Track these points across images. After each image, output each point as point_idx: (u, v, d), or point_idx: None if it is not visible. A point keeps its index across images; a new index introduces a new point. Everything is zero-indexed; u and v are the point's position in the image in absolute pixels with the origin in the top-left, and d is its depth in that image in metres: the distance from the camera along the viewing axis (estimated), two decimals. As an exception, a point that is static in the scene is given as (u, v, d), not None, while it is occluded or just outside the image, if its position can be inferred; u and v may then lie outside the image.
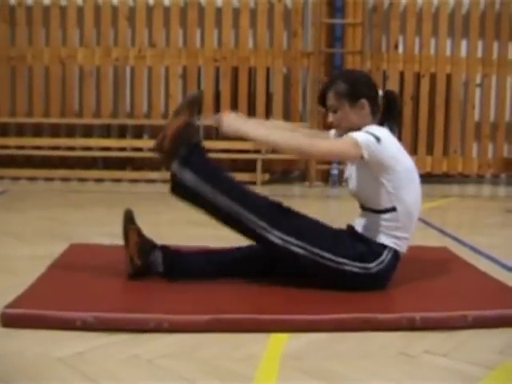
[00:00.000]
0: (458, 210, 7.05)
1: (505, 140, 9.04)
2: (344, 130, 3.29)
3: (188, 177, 3.16)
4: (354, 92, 3.26)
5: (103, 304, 2.94)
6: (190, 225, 5.11)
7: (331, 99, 3.31)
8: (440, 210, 6.78)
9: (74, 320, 2.73)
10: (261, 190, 7.88)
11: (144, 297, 3.06)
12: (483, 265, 3.97)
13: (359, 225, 3.30)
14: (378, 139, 3.09)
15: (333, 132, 3.48)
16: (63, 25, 8.68)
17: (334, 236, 3.23)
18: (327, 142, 3.28)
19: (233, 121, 3.19)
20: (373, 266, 3.16)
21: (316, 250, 3.13)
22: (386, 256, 3.18)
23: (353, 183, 3.32)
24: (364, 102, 3.26)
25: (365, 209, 3.31)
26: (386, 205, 3.19)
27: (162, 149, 3.23)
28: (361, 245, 3.19)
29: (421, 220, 5.71)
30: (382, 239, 3.20)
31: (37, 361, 2.39)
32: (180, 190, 3.22)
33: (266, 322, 2.78)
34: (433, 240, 4.90)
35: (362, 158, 3.09)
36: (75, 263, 3.60)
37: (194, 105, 3.30)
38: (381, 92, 3.37)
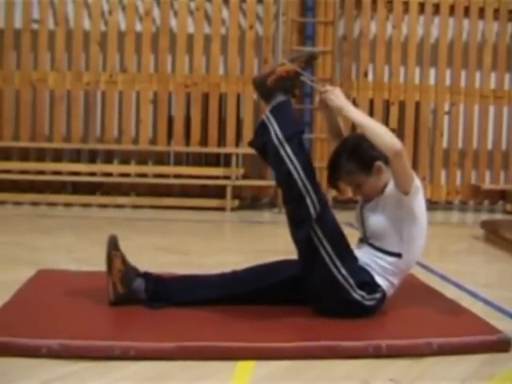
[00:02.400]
0: (427, 236, 7.08)
1: (472, 167, 9.15)
2: (372, 195, 3.28)
3: (275, 127, 3.16)
4: (364, 162, 3.23)
5: (69, 331, 2.91)
6: (158, 251, 5.09)
7: (347, 181, 3.30)
8: (408, 237, 6.82)
9: (39, 347, 2.70)
10: (230, 216, 7.89)
11: (111, 324, 3.05)
12: (450, 292, 4.00)
13: (361, 254, 3.28)
14: (418, 188, 3.15)
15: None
16: (34, 48, 8.66)
17: (353, 256, 3.22)
18: (404, 159, 3.10)
19: (341, 95, 3.19)
20: (369, 297, 3.19)
21: (338, 263, 3.14)
22: (378, 295, 3.22)
23: (372, 218, 3.25)
24: (378, 164, 3.22)
25: (369, 244, 3.29)
26: (395, 249, 3.21)
27: (265, 83, 3.23)
28: (366, 274, 3.20)
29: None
30: (379, 279, 3.22)
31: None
32: (263, 136, 3.20)
33: (231, 349, 2.78)
34: (400, 267, 4.92)
35: (407, 194, 3.10)
36: (42, 289, 3.57)
37: (309, 61, 3.31)
38: None
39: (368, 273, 3.21)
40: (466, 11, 8.98)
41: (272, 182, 8.51)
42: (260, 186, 8.70)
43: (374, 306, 3.22)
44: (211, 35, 8.73)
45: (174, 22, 8.76)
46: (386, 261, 3.21)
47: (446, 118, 9.12)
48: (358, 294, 3.17)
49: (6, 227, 6.58)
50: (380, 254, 3.23)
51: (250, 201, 8.86)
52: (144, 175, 8.60)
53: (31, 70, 8.64)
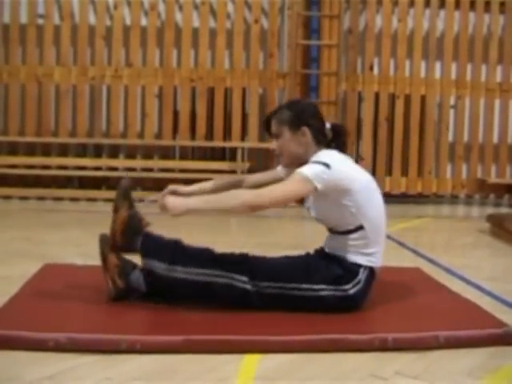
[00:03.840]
0: (432, 230, 7.10)
1: (478, 161, 9.14)
2: (287, 159, 3.33)
3: (156, 264, 3.16)
4: (295, 119, 3.29)
5: (76, 324, 2.93)
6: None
7: (274, 126, 3.34)
8: (414, 231, 6.83)
9: (46, 340, 2.71)
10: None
11: (117, 317, 3.06)
12: (456, 285, 4.00)
13: (330, 247, 3.32)
14: (327, 166, 3.09)
15: (279, 168, 3.52)
16: (40, 43, 8.67)
17: (307, 265, 3.22)
18: (277, 188, 3.15)
19: (177, 202, 3.16)
20: (350, 287, 3.18)
21: (293, 285, 3.15)
22: (362, 275, 3.20)
23: (316, 212, 3.32)
24: (305, 129, 3.28)
25: (333, 232, 3.33)
26: (353, 225, 3.21)
27: (118, 245, 3.23)
28: (335, 267, 3.20)
29: (395, 240, 5.76)
30: (356, 259, 3.21)
31: (8, 384, 2.38)
32: (155, 279, 3.20)
33: (238, 342, 2.79)
34: (406, 260, 4.93)
35: (316, 190, 3.08)
36: (49, 283, 3.58)
37: (128, 195, 3.30)
38: (328, 124, 3.39)
39: (337, 263, 3.21)
40: (472, 4, 8.98)
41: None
42: (266, 180, 8.69)
43: (362, 289, 3.20)
44: (216, 29, 8.73)
45: (179, 17, 8.76)
46: (353, 239, 3.21)
47: (451, 112, 9.12)
48: (339, 291, 3.17)
49: (12, 222, 6.60)
50: (345, 237, 3.23)
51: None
52: (150, 169, 8.61)
53: (37, 65, 8.66)
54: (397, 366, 2.66)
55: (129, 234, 3.19)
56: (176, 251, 3.19)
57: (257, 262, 3.20)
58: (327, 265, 3.22)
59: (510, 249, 5.68)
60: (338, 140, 3.38)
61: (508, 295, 3.84)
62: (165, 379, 2.48)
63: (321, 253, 3.37)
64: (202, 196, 3.30)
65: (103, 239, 3.28)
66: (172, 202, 3.16)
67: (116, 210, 3.25)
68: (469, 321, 3.17)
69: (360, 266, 3.21)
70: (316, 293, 3.16)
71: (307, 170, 3.10)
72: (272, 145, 3.41)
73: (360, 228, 3.20)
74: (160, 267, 3.15)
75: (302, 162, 3.22)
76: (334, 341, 2.83)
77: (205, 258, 3.18)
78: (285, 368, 2.62)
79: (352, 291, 3.18)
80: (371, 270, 3.24)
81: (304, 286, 3.15)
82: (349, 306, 3.20)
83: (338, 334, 2.88)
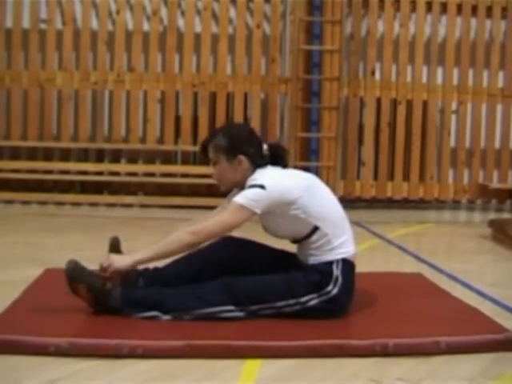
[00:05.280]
0: (434, 235, 7.10)
1: (480, 166, 9.13)
2: (225, 186, 3.38)
3: (144, 315, 3.12)
4: (231, 147, 3.29)
5: (77, 329, 2.93)
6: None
7: (211, 152, 3.35)
8: (416, 236, 6.83)
9: (47, 345, 2.72)
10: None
11: (119, 322, 3.06)
12: (458, 291, 4.00)
13: (301, 256, 3.34)
14: (262, 187, 3.13)
15: (229, 196, 3.51)
16: (42, 48, 8.68)
17: (287, 281, 3.21)
18: (214, 222, 3.21)
19: (122, 257, 3.22)
20: (331, 287, 3.18)
21: (281, 303, 3.16)
22: (336, 270, 3.20)
23: (270, 230, 3.34)
24: (241, 158, 3.28)
25: (295, 242, 3.35)
26: (306, 230, 3.22)
27: (101, 311, 3.15)
28: (312, 274, 3.20)
29: (396, 246, 5.76)
30: (325, 258, 3.22)
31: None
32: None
33: (239, 348, 2.79)
34: (408, 266, 4.93)
35: (256, 214, 3.13)
36: (50, 288, 3.58)
37: (79, 276, 3.13)
38: (265, 146, 3.38)
39: (312, 269, 3.21)
40: (474, 10, 8.97)
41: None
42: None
43: (343, 285, 3.19)
44: (218, 35, 8.73)
45: (181, 22, 8.77)
46: (313, 241, 3.23)
47: (453, 117, 9.12)
48: (324, 296, 3.17)
49: (14, 226, 6.60)
50: (307, 242, 3.25)
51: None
52: (151, 174, 8.61)
53: (39, 70, 8.66)
54: (398, 371, 2.66)
55: (102, 303, 3.13)
56: (158, 301, 3.15)
57: (237, 287, 3.18)
58: (304, 275, 3.22)
59: (511, 254, 5.67)
60: (277, 159, 3.38)
61: (510, 301, 3.84)
62: (166, 384, 2.48)
63: (297, 259, 3.39)
64: (147, 248, 3.25)
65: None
66: (117, 258, 3.20)
67: (76, 293, 3.14)
68: (470, 326, 3.17)
69: (331, 262, 3.22)
70: (304, 305, 3.17)
71: (242, 198, 3.15)
72: (210, 171, 3.41)
73: (316, 229, 3.21)
74: (147, 316, 3.13)
75: (242, 186, 3.27)
76: (335, 346, 2.83)
77: (188, 298, 3.15)
78: (286, 373, 2.62)
79: (335, 291, 3.18)
80: (344, 261, 3.24)
81: (291, 301, 3.17)
82: (339, 306, 3.21)
83: (339, 339, 2.88)
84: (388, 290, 3.71)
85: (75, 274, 3.12)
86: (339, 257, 3.22)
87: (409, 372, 2.66)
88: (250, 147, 3.31)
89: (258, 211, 3.13)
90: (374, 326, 3.15)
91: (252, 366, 2.68)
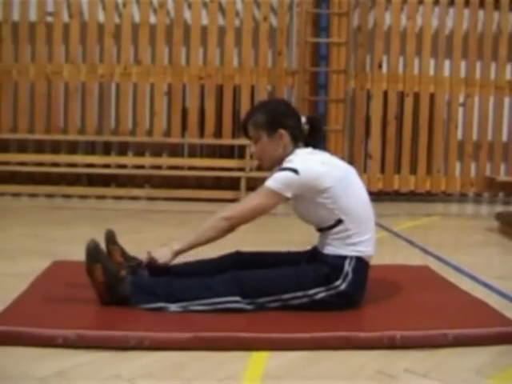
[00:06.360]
0: (441, 228, 7.09)
1: (487, 159, 9.12)
2: (267, 162, 3.36)
3: (151, 306, 3.13)
4: (271, 123, 3.29)
5: (85, 321, 2.94)
6: (173, 242, 5.10)
7: (251, 130, 3.35)
8: (423, 229, 6.82)
9: (55, 337, 2.72)
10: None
11: (126, 314, 3.06)
12: (465, 283, 3.99)
13: (320, 244, 3.35)
14: (295, 171, 3.13)
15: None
16: (49, 41, 8.69)
17: (296, 273, 3.22)
18: (244, 206, 3.24)
19: (163, 252, 3.25)
20: (340, 282, 3.18)
21: (288, 295, 3.17)
22: (348, 266, 3.20)
23: (298, 213, 3.36)
24: (282, 132, 3.29)
25: (318, 229, 3.36)
26: (331, 220, 3.22)
27: (107, 301, 3.16)
28: (322, 266, 3.21)
29: (403, 238, 5.76)
30: (339, 251, 3.22)
31: (17, 381, 2.38)
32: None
33: (247, 340, 2.79)
34: (415, 258, 4.93)
35: (287, 199, 3.16)
36: (58, 280, 3.59)
37: (98, 255, 3.17)
38: (303, 118, 3.39)
39: (323, 262, 3.22)
40: (482, 2, 8.95)
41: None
42: (274, 178, 8.69)
43: (353, 281, 3.19)
44: (225, 27, 8.73)
45: (188, 14, 8.76)
46: (334, 233, 3.23)
47: (460, 110, 9.10)
48: (332, 290, 3.17)
49: (21, 219, 6.62)
50: (328, 232, 3.25)
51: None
52: (158, 167, 8.62)
53: (46, 63, 8.68)
54: (405, 363, 2.66)
55: (113, 289, 3.15)
56: (167, 290, 3.16)
57: (246, 279, 3.19)
58: (314, 267, 3.23)
59: (519, 247, 5.67)
60: (315, 133, 3.39)
61: (517, 293, 3.83)
62: (173, 376, 2.48)
63: (313, 251, 3.40)
64: (184, 238, 3.30)
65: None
66: (159, 252, 3.25)
67: (91, 274, 3.15)
68: (477, 319, 3.17)
69: (345, 257, 3.21)
70: (312, 298, 3.17)
71: (273, 182, 3.17)
72: (251, 149, 3.41)
73: (340, 222, 3.21)
74: (155, 307, 3.13)
75: (282, 162, 3.28)
76: (342, 338, 2.83)
77: (196, 288, 3.17)
78: (293, 365, 2.63)
79: (343, 286, 3.18)
80: (359, 260, 3.23)
81: (299, 293, 3.17)
82: (346, 302, 3.20)
83: (346, 331, 2.88)
84: (395, 283, 3.70)
85: (95, 253, 3.13)
86: (354, 254, 3.22)
87: (416, 364, 2.66)
88: (289, 120, 3.31)
89: (289, 196, 3.15)
90: (382, 318, 3.15)
91: (259, 358, 2.69)
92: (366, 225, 3.27)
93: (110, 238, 3.38)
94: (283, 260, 3.43)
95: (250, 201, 3.24)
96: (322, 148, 3.40)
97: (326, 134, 8.41)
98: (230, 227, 3.22)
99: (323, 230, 3.29)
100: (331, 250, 3.24)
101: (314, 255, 3.36)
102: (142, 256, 3.32)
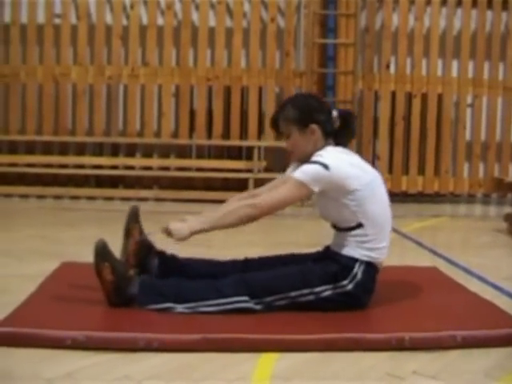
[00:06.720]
0: (449, 229, 7.07)
1: (496, 160, 9.09)
2: (298, 156, 3.33)
3: (158, 306, 3.13)
4: (302, 118, 3.27)
5: (94, 323, 2.95)
6: (181, 244, 5.09)
7: (282, 125, 3.33)
8: (431, 230, 6.81)
9: (64, 339, 2.73)
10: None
11: (134, 316, 3.07)
12: (473, 285, 3.98)
13: (333, 244, 3.35)
14: (326, 167, 3.10)
15: (290, 169, 3.49)
16: (57, 43, 8.70)
17: (302, 271, 3.22)
18: (271, 196, 3.20)
19: (181, 227, 3.19)
20: (347, 282, 3.18)
21: (295, 293, 3.16)
22: (357, 269, 3.19)
23: (319, 208, 3.35)
24: (314, 127, 3.27)
25: (335, 228, 3.35)
26: (352, 222, 3.21)
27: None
28: (332, 265, 3.21)
29: (411, 240, 5.75)
30: (352, 253, 3.22)
31: (25, 382, 2.39)
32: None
33: (255, 341, 2.79)
34: (424, 260, 4.92)
35: (314, 192, 3.13)
36: (66, 282, 3.60)
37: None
38: (335, 112, 3.35)
39: (333, 261, 3.22)
40: (489, 2, 8.91)
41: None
42: (282, 179, 8.69)
43: (360, 283, 3.18)
44: (233, 28, 8.73)
45: (195, 16, 8.77)
46: (352, 235, 3.22)
47: (468, 111, 9.07)
48: (339, 288, 3.17)
49: (29, 220, 6.64)
50: (346, 233, 3.24)
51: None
52: (166, 168, 8.63)
53: (54, 65, 8.69)
54: (414, 365, 2.66)
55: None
56: (175, 291, 3.17)
57: (253, 279, 3.19)
58: (321, 265, 3.23)
59: (527, 248, 5.65)
60: (345, 128, 3.36)
61: (526, 295, 3.82)
62: (182, 377, 2.49)
63: (325, 250, 3.40)
64: (203, 217, 3.28)
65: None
66: (176, 226, 3.20)
67: (99, 273, 3.15)
68: (486, 320, 3.16)
69: (356, 260, 3.20)
70: (318, 295, 3.17)
71: (303, 175, 3.13)
72: (285, 144, 3.39)
73: (359, 225, 3.20)
74: (162, 308, 3.14)
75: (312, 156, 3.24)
76: (351, 340, 2.83)
77: (204, 289, 3.17)
78: (302, 367, 2.63)
79: (350, 286, 3.18)
80: (369, 265, 3.23)
81: (305, 291, 3.17)
82: (352, 302, 3.20)
83: (355, 333, 2.88)
84: (403, 284, 3.70)
85: (103, 253, 3.14)
86: (366, 259, 3.21)
87: (425, 366, 2.66)
88: (320, 115, 3.29)
89: (317, 190, 3.12)
90: (390, 319, 3.15)
91: (268, 360, 2.69)
92: (384, 233, 3.27)
93: (134, 215, 3.37)
94: (291, 260, 3.43)
95: (278, 192, 3.19)
96: (348, 144, 3.38)
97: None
98: (254, 216, 3.15)
99: (341, 229, 3.28)
100: (345, 250, 3.24)
101: (324, 254, 3.36)
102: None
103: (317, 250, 3.51)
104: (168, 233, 3.20)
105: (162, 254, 3.43)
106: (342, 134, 3.35)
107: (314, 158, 3.17)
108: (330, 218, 3.34)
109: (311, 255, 3.47)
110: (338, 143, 3.33)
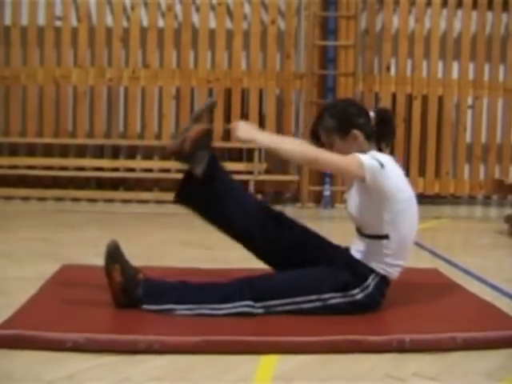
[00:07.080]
0: (450, 231, 7.07)
1: (496, 161, 9.08)
2: None
3: (162, 308, 3.12)
4: (342, 126, 3.24)
5: (94, 325, 2.94)
6: (182, 246, 5.11)
7: (323, 136, 3.30)
8: (432, 232, 6.80)
9: (65, 341, 2.73)
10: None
11: (135, 318, 3.07)
12: (474, 286, 3.98)
13: (354, 247, 3.30)
14: (382, 165, 3.06)
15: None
16: (58, 45, 8.71)
17: (312, 276, 3.19)
18: (334, 156, 3.12)
19: (248, 128, 3.14)
20: (357, 291, 3.16)
21: (301, 299, 3.14)
22: (371, 281, 3.18)
23: (351, 205, 3.29)
24: (355, 132, 3.24)
25: (359, 232, 3.31)
26: (380, 232, 3.18)
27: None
28: (344, 273, 3.18)
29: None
30: (371, 263, 3.19)
31: None
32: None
33: (256, 343, 2.79)
34: (424, 261, 4.92)
35: (363, 180, 3.06)
36: (67, 284, 3.60)
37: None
38: (372, 113, 3.32)
39: (348, 268, 3.18)
40: (490, 4, 8.91)
41: (295, 177, 8.54)
42: (283, 181, 8.70)
43: (370, 295, 3.17)
44: (233, 30, 8.73)
45: (196, 18, 8.77)
46: (376, 244, 3.18)
47: (469, 112, 9.07)
48: (348, 297, 3.15)
49: (30, 223, 6.63)
50: (369, 240, 3.21)
51: (273, 196, 8.86)
52: (167, 170, 8.62)
53: (54, 67, 8.69)
54: (414, 367, 2.66)
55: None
56: (177, 293, 3.16)
57: (260, 283, 3.18)
58: (335, 272, 3.19)
59: (528, 250, 5.65)
60: (384, 126, 3.32)
61: (526, 296, 3.82)
62: (182, 379, 2.49)
63: (341, 253, 3.34)
64: (273, 136, 3.24)
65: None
66: (244, 125, 3.14)
67: (109, 274, 3.12)
68: (487, 322, 3.16)
69: (372, 271, 3.18)
70: (325, 302, 3.15)
71: (365, 158, 3.07)
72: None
73: (385, 237, 3.17)
74: (163, 309, 3.13)
75: None
76: (351, 342, 2.83)
77: (208, 292, 3.17)
78: (303, 369, 2.62)
79: (359, 296, 3.16)
80: (383, 279, 3.21)
81: (312, 297, 3.14)
82: (358, 311, 3.17)
83: (355, 334, 2.88)
84: (404, 286, 3.69)
85: (115, 254, 3.13)
86: (382, 272, 3.20)
87: (425, 367, 2.66)
88: (359, 119, 3.26)
89: (368, 180, 3.05)
90: (391, 321, 3.15)
91: (268, 362, 2.69)
92: (405, 252, 3.26)
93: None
94: (315, 243, 3.35)
95: (343, 158, 3.09)
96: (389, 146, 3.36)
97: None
98: (314, 161, 3.08)
99: (366, 236, 3.24)
100: (363, 258, 3.21)
101: (343, 255, 3.30)
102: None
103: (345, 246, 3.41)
104: (234, 127, 3.14)
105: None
106: (382, 134, 3.31)
107: (371, 154, 3.14)
108: (359, 219, 3.27)
109: (333, 249, 3.35)
110: (380, 148, 3.30)
